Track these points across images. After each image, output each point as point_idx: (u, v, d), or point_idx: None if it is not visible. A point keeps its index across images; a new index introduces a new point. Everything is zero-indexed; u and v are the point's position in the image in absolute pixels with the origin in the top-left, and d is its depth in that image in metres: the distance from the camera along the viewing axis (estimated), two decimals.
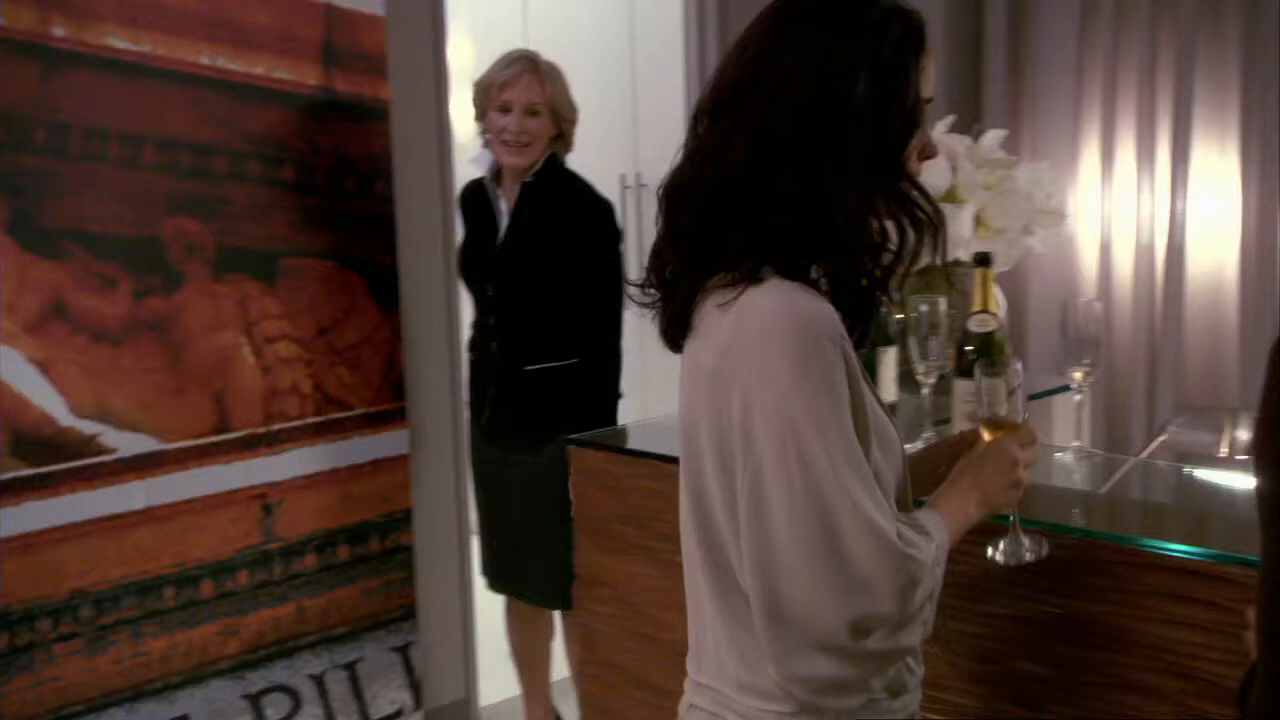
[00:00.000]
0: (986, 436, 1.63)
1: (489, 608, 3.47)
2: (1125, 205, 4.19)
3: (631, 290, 1.61)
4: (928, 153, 1.50)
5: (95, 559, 2.69)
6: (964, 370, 2.14)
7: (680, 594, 2.26)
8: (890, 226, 1.48)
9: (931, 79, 1.49)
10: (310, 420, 3.01)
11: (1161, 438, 2.04)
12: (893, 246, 1.48)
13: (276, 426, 2.94)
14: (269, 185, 2.88)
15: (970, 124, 2.93)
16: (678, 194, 1.52)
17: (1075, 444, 2.22)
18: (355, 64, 3.02)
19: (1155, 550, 1.77)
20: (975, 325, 2.13)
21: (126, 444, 2.72)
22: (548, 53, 3.29)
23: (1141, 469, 2.11)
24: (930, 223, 1.47)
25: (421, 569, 3.30)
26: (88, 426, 2.66)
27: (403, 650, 3.25)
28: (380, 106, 3.09)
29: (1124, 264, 4.22)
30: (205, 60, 2.75)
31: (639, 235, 4.59)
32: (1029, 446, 1.60)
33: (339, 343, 3.05)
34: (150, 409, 2.74)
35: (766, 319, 1.41)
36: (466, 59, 5.19)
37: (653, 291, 1.56)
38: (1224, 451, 2.10)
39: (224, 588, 2.88)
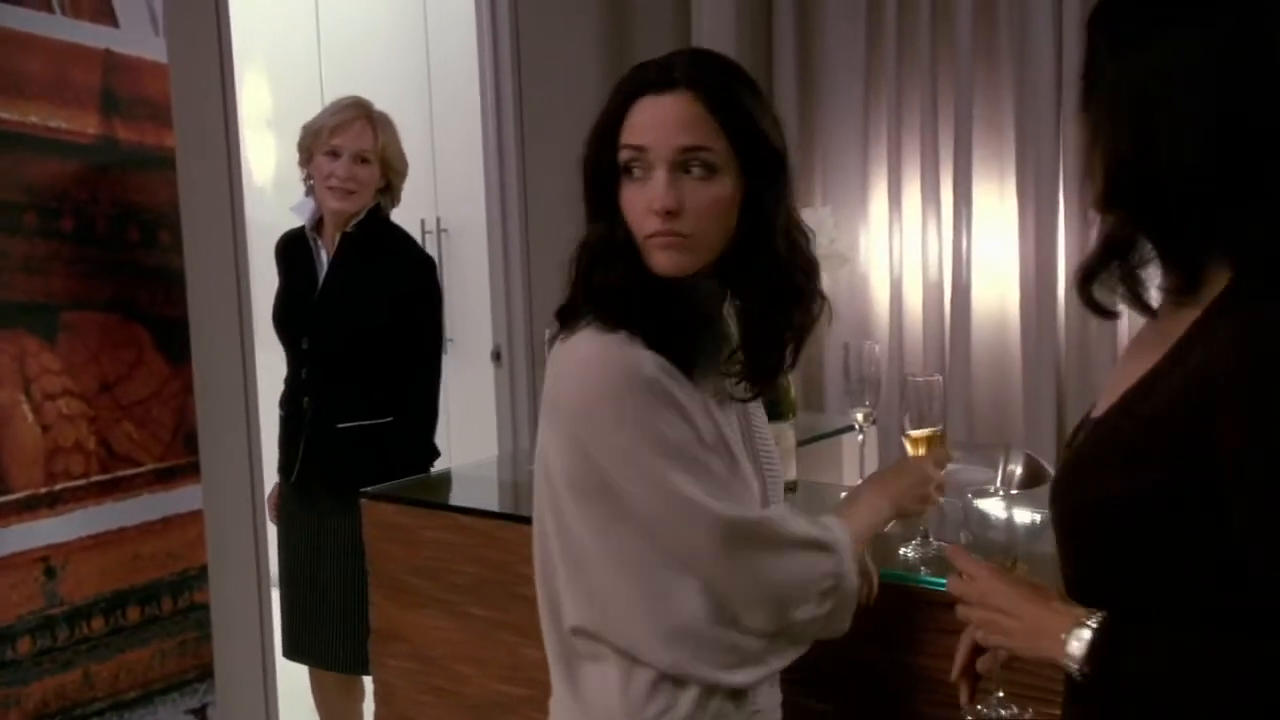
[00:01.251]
0: (909, 447, 1.89)
1: (291, 664, 3.39)
2: (913, 245, 4.34)
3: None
4: (649, 206, 1.54)
5: None
6: None
7: (475, 646, 2.26)
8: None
9: (642, 125, 1.54)
10: (95, 478, 2.90)
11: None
12: None
13: (59, 486, 2.83)
14: (46, 237, 2.78)
15: None
16: None
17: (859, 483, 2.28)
18: (138, 111, 2.94)
19: (931, 587, 1.83)
20: None
21: None
22: (344, 95, 3.27)
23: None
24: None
25: (218, 627, 3.21)
26: None
27: (199, 712, 3.15)
28: (165, 154, 3.01)
29: (914, 303, 4.36)
30: None
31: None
32: (942, 466, 1.85)
33: (125, 398, 2.96)
34: None
35: (573, 372, 1.56)
36: (263, 102, 5.12)
37: None
38: (999, 486, 2.18)
39: (3, 656, 2.75)
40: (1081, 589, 1.31)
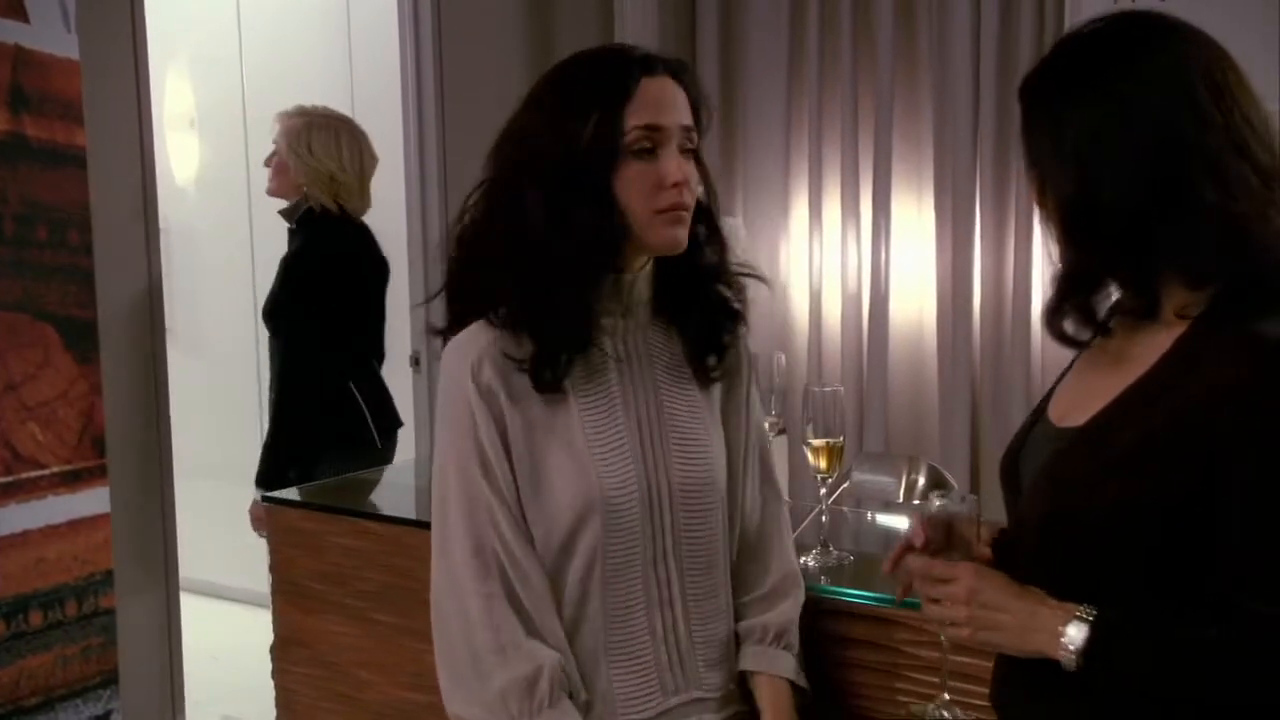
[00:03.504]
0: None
1: (198, 672, 3.35)
2: (832, 257, 4.38)
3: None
4: (663, 181, 1.55)
5: None
6: None
7: (378, 653, 2.25)
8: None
9: (652, 104, 1.55)
10: None
11: (845, 484, 2.13)
12: None
13: None
14: None
15: None
16: None
17: None
18: (48, 109, 2.90)
19: (832, 596, 1.85)
20: None
21: None
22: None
23: (829, 516, 2.18)
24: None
25: (125, 633, 3.16)
26: None
27: (103, 719, 3.10)
28: (76, 153, 2.97)
29: (832, 314, 4.40)
30: None
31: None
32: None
33: (31, 399, 2.90)
34: None
35: None
36: (185, 103, 5.06)
37: None
38: (902, 496, 2.20)
39: None
40: (1060, 589, 1.34)
